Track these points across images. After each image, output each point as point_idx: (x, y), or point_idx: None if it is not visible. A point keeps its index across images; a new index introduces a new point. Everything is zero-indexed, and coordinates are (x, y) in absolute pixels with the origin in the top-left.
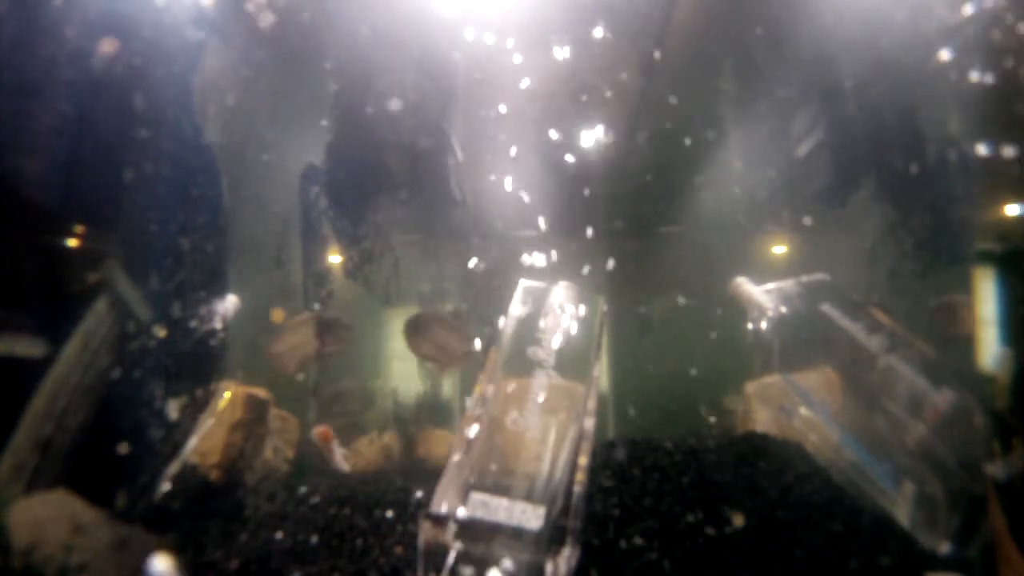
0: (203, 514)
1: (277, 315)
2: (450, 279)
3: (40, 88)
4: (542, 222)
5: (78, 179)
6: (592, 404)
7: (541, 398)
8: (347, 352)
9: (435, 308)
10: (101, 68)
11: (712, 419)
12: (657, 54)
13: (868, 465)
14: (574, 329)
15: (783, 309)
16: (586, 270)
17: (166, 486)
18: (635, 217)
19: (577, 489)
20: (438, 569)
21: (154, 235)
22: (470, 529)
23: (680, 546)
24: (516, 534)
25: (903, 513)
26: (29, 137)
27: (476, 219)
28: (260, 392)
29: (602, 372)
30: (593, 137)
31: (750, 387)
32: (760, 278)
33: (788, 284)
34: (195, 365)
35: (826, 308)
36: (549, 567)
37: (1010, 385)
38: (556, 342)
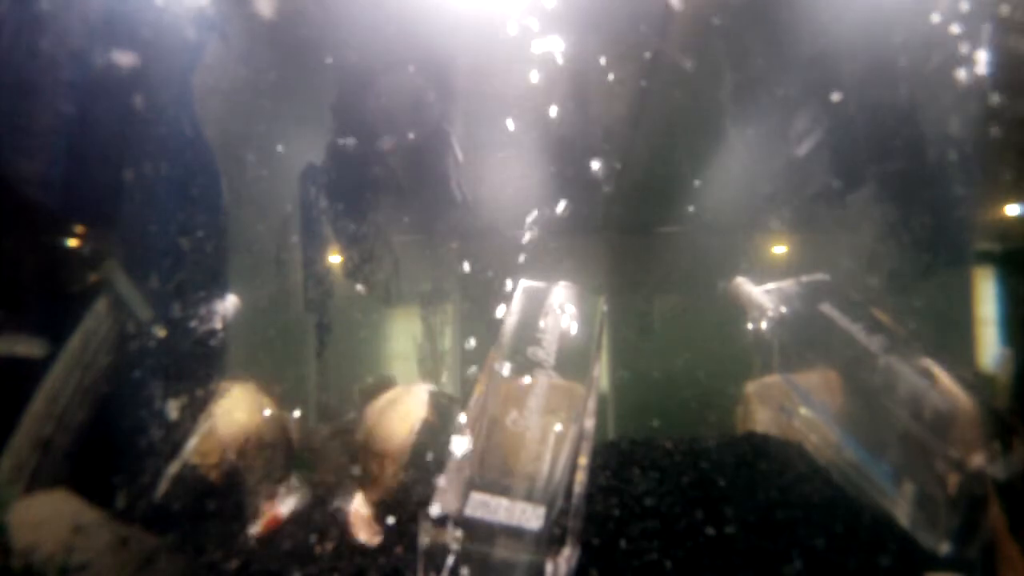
0: (203, 514)
1: None
2: (450, 279)
3: (40, 88)
4: (542, 221)
5: (78, 179)
6: (592, 404)
7: (541, 398)
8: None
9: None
10: (101, 68)
11: (712, 419)
12: (657, 52)
13: (868, 465)
14: (574, 329)
15: (783, 309)
16: (586, 270)
17: (166, 486)
18: (635, 217)
19: (577, 489)
20: (438, 569)
21: (154, 235)
22: (470, 529)
23: (680, 546)
24: (516, 534)
25: (903, 513)
26: (29, 137)
27: (476, 218)
28: None
29: (602, 372)
30: (593, 136)
31: (750, 387)
32: (760, 278)
33: (788, 284)
34: (195, 365)
35: (826, 308)
36: (549, 567)
37: (1010, 385)
38: (556, 342)
